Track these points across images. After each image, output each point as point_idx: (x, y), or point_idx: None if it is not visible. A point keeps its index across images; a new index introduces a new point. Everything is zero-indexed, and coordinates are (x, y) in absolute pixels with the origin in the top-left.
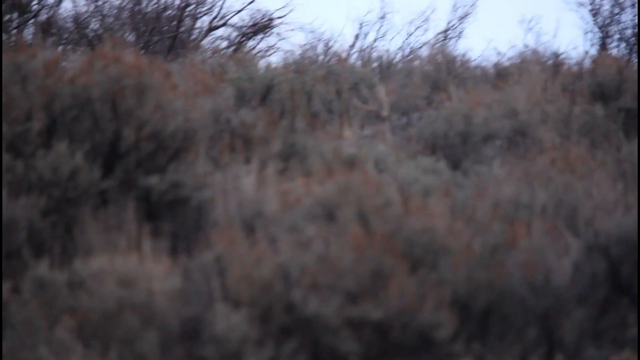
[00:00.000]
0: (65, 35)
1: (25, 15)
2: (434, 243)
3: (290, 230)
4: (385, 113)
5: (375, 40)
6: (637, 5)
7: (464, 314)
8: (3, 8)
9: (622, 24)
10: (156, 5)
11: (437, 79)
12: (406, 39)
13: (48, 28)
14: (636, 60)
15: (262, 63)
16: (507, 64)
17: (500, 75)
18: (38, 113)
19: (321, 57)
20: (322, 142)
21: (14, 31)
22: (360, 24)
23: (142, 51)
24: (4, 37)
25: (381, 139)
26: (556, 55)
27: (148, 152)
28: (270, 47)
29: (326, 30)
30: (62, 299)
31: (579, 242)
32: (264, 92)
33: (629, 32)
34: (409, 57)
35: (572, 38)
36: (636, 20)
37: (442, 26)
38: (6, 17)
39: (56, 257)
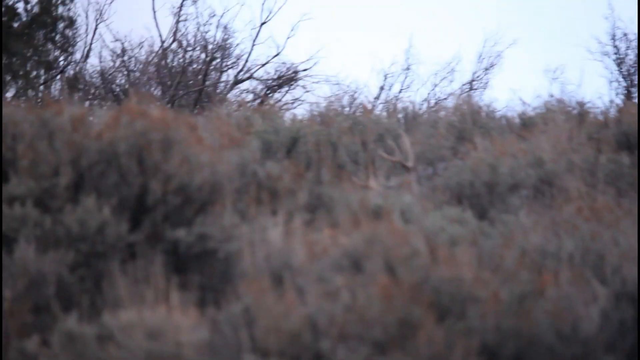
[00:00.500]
0: (92, 91)
1: (52, 72)
2: (462, 292)
3: (317, 281)
4: (410, 164)
5: (400, 91)
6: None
7: None
8: (29, 65)
9: None
10: (182, 60)
11: (462, 129)
12: (431, 89)
13: (75, 83)
14: None
15: (287, 115)
16: (532, 113)
17: (526, 124)
18: (65, 168)
19: (346, 109)
20: (349, 193)
21: (41, 87)
22: (385, 76)
23: (168, 105)
24: (31, 93)
25: (407, 190)
26: (581, 104)
27: (175, 205)
28: (296, 100)
29: (351, 82)
30: (91, 352)
31: (607, 290)
32: (290, 144)
33: None
34: (434, 108)
35: (597, 87)
36: None
37: (467, 77)
38: (33, 74)
39: (85, 310)
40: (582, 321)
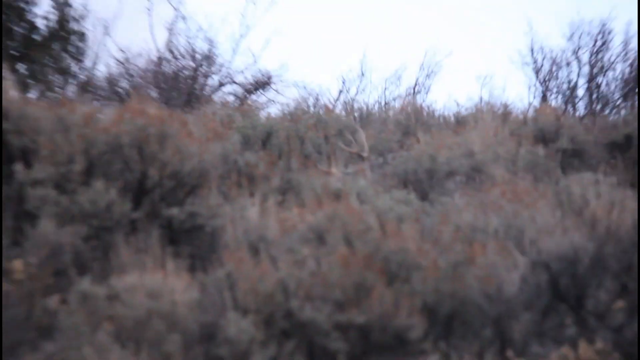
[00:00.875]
0: (100, 93)
1: (67, 77)
2: (407, 261)
3: (288, 251)
4: (365, 154)
5: (356, 94)
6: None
7: (431, 319)
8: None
9: (559, 80)
10: (174, 67)
11: (407, 126)
12: (382, 93)
13: (86, 87)
14: (571, 109)
15: (262, 114)
16: (465, 113)
17: (459, 122)
18: (78, 157)
19: (311, 109)
20: (313, 178)
21: (58, 90)
22: (344, 81)
23: (163, 105)
24: (50, 94)
25: (362, 176)
26: (505, 106)
27: (169, 188)
28: (269, 101)
29: (315, 86)
30: (101, 308)
31: (525, 259)
32: (265, 137)
33: (564, 86)
34: (384, 108)
35: (518, 92)
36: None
37: (411, 82)
38: (51, 79)
39: (96, 274)
40: (505, 285)
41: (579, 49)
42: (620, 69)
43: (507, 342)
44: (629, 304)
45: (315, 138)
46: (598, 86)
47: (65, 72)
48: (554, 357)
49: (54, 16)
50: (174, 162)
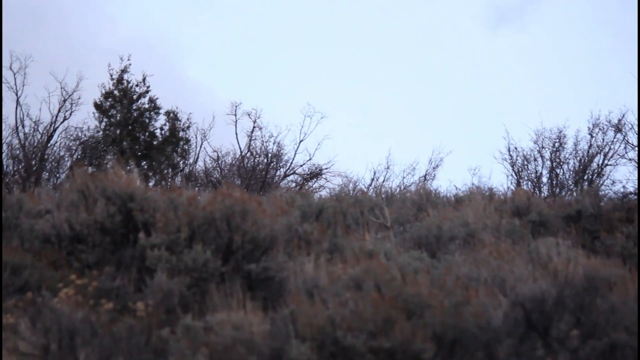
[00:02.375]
0: (199, 181)
1: (176, 170)
2: (421, 301)
3: (334, 295)
4: (388, 224)
5: (384, 181)
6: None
7: (439, 344)
8: (163, 167)
9: (529, 171)
10: (252, 162)
11: (420, 203)
12: (402, 179)
13: (189, 177)
14: (538, 192)
15: (316, 196)
16: (461, 194)
17: (458, 201)
18: (184, 227)
19: (351, 192)
20: (353, 242)
21: (170, 179)
22: (374, 171)
23: (245, 190)
24: (164, 183)
25: (388, 240)
26: (490, 189)
27: (249, 249)
28: (321, 186)
29: (354, 175)
30: (200, 337)
31: (507, 300)
32: (317, 213)
33: (532, 175)
34: (403, 191)
35: (499, 179)
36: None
37: (422, 172)
38: (165, 172)
39: (196, 312)
40: (492, 319)
41: (542, 148)
42: (572, 163)
43: None
44: (581, 332)
45: (354, 213)
46: (557, 175)
47: (174, 167)
48: None
49: (167, 127)
50: (253, 231)
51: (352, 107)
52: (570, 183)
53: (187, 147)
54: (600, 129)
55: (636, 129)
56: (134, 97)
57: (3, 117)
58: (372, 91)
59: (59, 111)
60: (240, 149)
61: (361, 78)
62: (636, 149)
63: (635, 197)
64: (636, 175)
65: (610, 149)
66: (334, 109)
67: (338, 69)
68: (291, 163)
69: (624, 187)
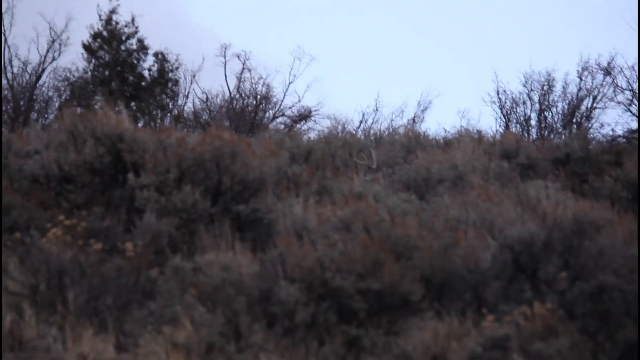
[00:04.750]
0: (188, 123)
1: (165, 111)
2: (409, 243)
3: (323, 237)
4: (374, 166)
5: (372, 123)
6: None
7: (427, 286)
8: (151, 107)
9: (517, 114)
10: (241, 105)
11: (409, 146)
12: (390, 122)
13: (178, 118)
14: (527, 134)
15: (304, 138)
16: (450, 137)
17: (447, 144)
18: (173, 169)
19: (340, 134)
20: (342, 184)
21: (158, 121)
22: (363, 114)
23: (234, 131)
24: (153, 124)
25: (377, 182)
26: (479, 132)
27: (238, 191)
28: (310, 128)
29: (343, 117)
30: (188, 278)
31: (495, 243)
32: (306, 154)
33: (521, 118)
34: (392, 133)
35: (488, 122)
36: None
37: (411, 114)
38: (154, 113)
39: (185, 253)
40: (480, 261)
41: (531, 91)
42: (561, 106)
43: (482, 303)
44: (569, 275)
45: (342, 155)
46: (545, 118)
47: (163, 108)
48: (516, 313)
49: (155, 68)
50: (242, 172)
51: (341, 50)
52: (559, 126)
53: (176, 89)
54: (589, 72)
55: (626, 73)
56: (123, 38)
57: None
58: (362, 33)
59: (48, 52)
60: (229, 90)
61: (351, 21)
62: (625, 92)
63: (624, 140)
64: (625, 119)
65: (599, 92)
66: (324, 52)
67: (328, 11)
68: (280, 105)
69: (612, 130)
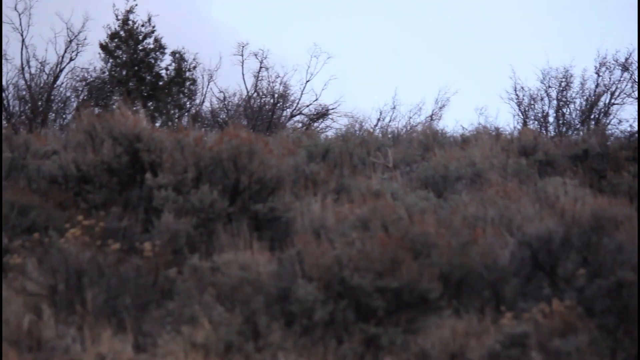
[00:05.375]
0: (206, 122)
1: (182, 111)
2: (428, 241)
3: (341, 235)
4: (390, 165)
5: (390, 121)
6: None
7: (446, 284)
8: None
9: (535, 110)
10: (259, 103)
11: (427, 143)
12: (408, 119)
13: (196, 118)
14: (545, 131)
15: (322, 136)
16: (468, 134)
17: (464, 141)
18: (190, 168)
19: (357, 132)
20: (360, 182)
21: (176, 120)
22: (381, 111)
23: (251, 130)
24: (171, 124)
25: (395, 180)
26: (497, 129)
27: (256, 190)
28: (327, 127)
29: (360, 115)
30: (206, 277)
31: (513, 240)
32: (324, 153)
33: (539, 115)
34: (410, 131)
35: (506, 119)
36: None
37: (429, 112)
38: (171, 112)
39: (203, 253)
40: (499, 258)
41: (549, 88)
42: (579, 102)
43: (501, 300)
44: (588, 272)
45: (360, 153)
46: (563, 115)
47: (181, 108)
48: (535, 310)
49: (173, 67)
50: (259, 171)
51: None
52: (577, 122)
53: (193, 88)
54: (607, 67)
55: None
56: (140, 37)
57: (9, 58)
58: (379, 31)
59: (65, 52)
60: (246, 89)
61: (367, 18)
62: None
63: None
64: None
65: (617, 87)
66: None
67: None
68: (297, 103)
69: (630, 126)
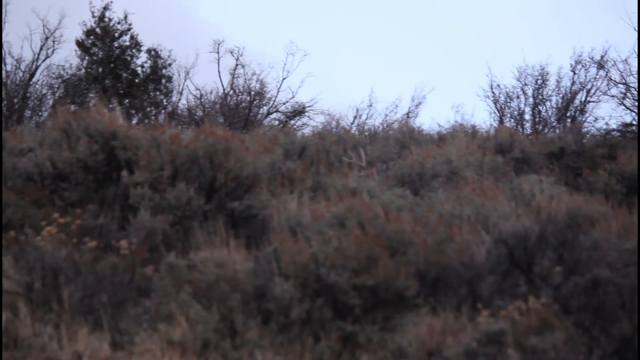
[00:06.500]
0: (182, 119)
1: (158, 108)
2: (404, 239)
3: (318, 233)
4: (363, 164)
5: (366, 118)
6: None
7: (422, 281)
8: (145, 104)
9: (511, 108)
10: (235, 101)
11: (403, 141)
12: (385, 117)
13: (172, 115)
14: (521, 129)
15: (299, 134)
16: (444, 132)
17: (441, 138)
18: (167, 165)
19: (334, 129)
20: (336, 180)
21: (152, 117)
22: (357, 109)
23: (228, 128)
24: (146, 121)
25: (371, 178)
26: (473, 126)
27: (232, 187)
28: (304, 124)
29: (337, 112)
30: (183, 275)
31: (490, 237)
32: (300, 150)
33: (515, 112)
34: (386, 128)
35: (482, 116)
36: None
37: (405, 110)
38: (147, 110)
39: (179, 250)
40: (475, 256)
41: (525, 85)
42: (555, 100)
43: (477, 297)
44: (564, 269)
45: (337, 151)
46: (539, 112)
47: (157, 105)
48: (511, 308)
49: (149, 64)
50: (235, 169)
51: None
52: (553, 120)
53: (169, 85)
54: (582, 65)
55: (619, 66)
56: (116, 34)
57: None
58: (355, 29)
59: (41, 49)
60: (223, 87)
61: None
62: (618, 85)
63: (618, 133)
64: (619, 112)
65: (592, 85)
66: (318, 47)
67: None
68: (274, 101)
69: (606, 124)
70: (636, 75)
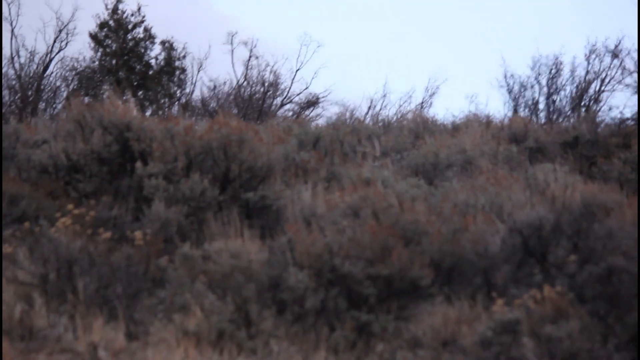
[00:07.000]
0: (196, 111)
1: (172, 100)
2: (418, 229)
3: (332, 223)
4: (377, 154)
5: (380, 109)
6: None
7: (437, 271)
8: (159, 96)
9: (525, 98)
10: (249, 92)
11: (417, 131)
12: (399, 107)
13: (186, 107)
14: (535, 118)
15: (312, 124)
16: (458, 122)
17: (455, 128)
18: (181, 157)
19: (348, 120)
20: (350, 170)
21: (166, 109)
22: (371, 99)
23: (242, 119)
24: (160, 112)
25: (385, 168)
26: (487, 116)
27: (246, 178)
28: (318, 115)
29: (351, 103)
30: (198, 266)
31: (504, 227)
32: (314, 141)
33: (529, 102)
34: (400, 119)
35: (496, 106)
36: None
37: (419, 100)
38: (161, 101)
39: (194, 241)
40: (490, 245)
41: (539, 75)
42: (569, 89)
43: (492, 287)
44: (579, 258)
45: (351, 141)
46: (554, 102)
47: (171, 97)
48: (526, 297)
49: (162, 56)
50: (250, 160)
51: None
52: (567, 109)
53: (183, 77)
54: (597, 55)
55: (634, 55)
56: (129, 27)
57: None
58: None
59: (55, 41)
60: (236, 78)
61: (358, 6)
62: (633, 74)
63: (633, 122)
64: (633, 101)
65: (607, 75)
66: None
67: None
68: (288, 92)
69: (621, 113)
70: None
